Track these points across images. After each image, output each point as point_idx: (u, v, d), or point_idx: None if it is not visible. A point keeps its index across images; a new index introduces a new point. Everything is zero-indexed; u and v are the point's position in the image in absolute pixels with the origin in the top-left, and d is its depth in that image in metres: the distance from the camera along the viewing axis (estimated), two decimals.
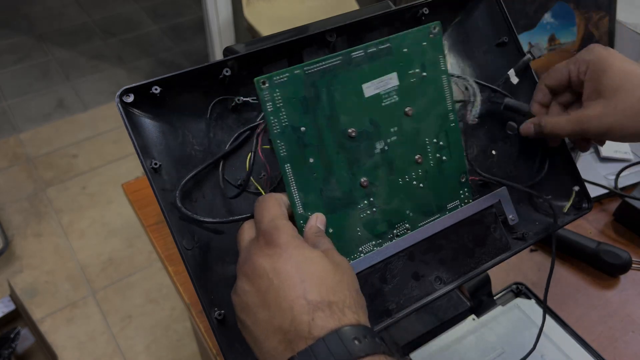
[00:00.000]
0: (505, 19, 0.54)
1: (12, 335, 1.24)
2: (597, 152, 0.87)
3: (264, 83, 0.41)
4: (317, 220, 0.42)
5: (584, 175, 0.55)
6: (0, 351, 1.21)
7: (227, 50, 0.47)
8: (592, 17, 0.97)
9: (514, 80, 0.54)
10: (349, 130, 0.44)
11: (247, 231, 0.40)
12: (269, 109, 0.41)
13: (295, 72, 0.41)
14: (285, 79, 0.41)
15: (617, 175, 0.82)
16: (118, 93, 0.40)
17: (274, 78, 0.41)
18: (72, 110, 2.21)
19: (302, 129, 0.42)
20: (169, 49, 2.57)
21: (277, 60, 0.47)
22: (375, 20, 0.50)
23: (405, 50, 0.46)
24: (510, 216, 0.52)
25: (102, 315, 1.54)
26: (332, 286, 0.34)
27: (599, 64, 0.45)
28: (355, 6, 1.85)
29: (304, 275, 0.34)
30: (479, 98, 0.52)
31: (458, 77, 0.53)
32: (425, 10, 0.52)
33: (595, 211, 0.79)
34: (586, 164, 0.86)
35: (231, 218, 0.43)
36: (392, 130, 0.46)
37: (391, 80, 0.45)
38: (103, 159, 1.99)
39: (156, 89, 0.41)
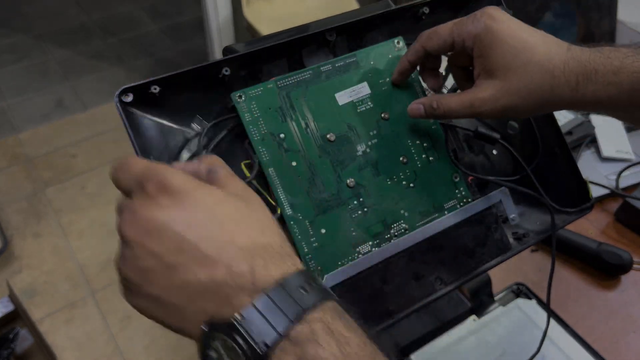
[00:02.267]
0: None
1: (11, 336, 1.24)
2: (598, 153, 0.87)
3: (240, 97, 0.44)
4: (213, 160, 0.35)
5: (584, 175, 0.55)
6: None
7: (226, 50, 0.47)
8: (593, 17, 0.97)
9: None
10: (328, 135, 0.47)
11: (120, 201, 0.32)
12: (247, 119, 0.44)
13: (269, 86, 0.45)
14: (259, 92, 0.45)
15: (618, 176, 0.82)
16: (117, 93, 0.40)
17: (249, 92, 0.44)
18: (71, 110, 2.21)
19: (282, 135, 0.45)
20: (169, 49, 2.57)
21: (277, 60, 0.47)
22: (375, 19, 0.50)
23: (372, 62, 0.49)
24: (511, 216, 0.52)
25: (102, 315, 1.54)
26: (255, 225, 0.30)
27: (486, 40, 0.41)
28: (355, 5, 1.84)
29: (220, 218, 0.29)
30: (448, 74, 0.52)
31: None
32: (426, 10, 0.52)
33: (596, 211, 0.79)
34: (587, 164, 0.86)
35: None
36: (371, 133, 0.48)
37: (363, 89, 0.49)
38: (102, 159, 1.99)
39: (155, 89, 0.41)
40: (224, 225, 0.29)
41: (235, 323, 0.27)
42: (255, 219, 0.31)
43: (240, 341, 0.26)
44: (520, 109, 0.41)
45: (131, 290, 0.30)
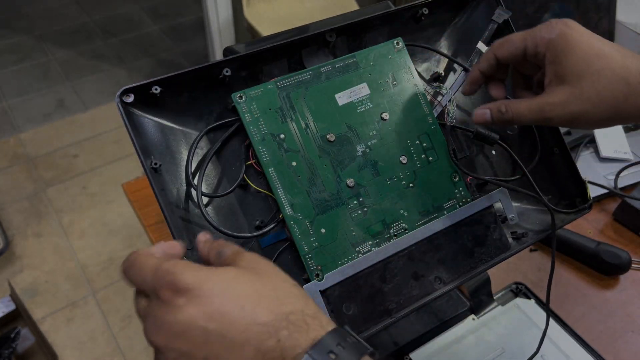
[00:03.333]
0: (505, 19, 0.54)
1: (12, 335, 1.24)
2: (597, 153, 0.87)
3: (240, 97, 0.44)
4: (204, 236, 0.36)
5: (583, 175, 0.55)
6: (0, 351, 1.21)
7: (227, 51, 0.47)
8: (592, 18, 0.97)
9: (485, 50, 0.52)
10: (328, 135, 0.47)
11: (139, 303, 0.32)
12: (248, 120, 0.45)
13: (269, 87, 0.45)
14: (260, 93, 0.45)
15: (617, 175, 0.82)
16: (118, 93, 0.40)
17: (250, 93, 0.45)
18: (72, 110, 2.21)
19: (282, 135, 0.45)
20: (169, 49, 2.57)
21: (277, 60, 0.48)
22: (375, 20, 0.50)
23: (372, 63, 0.50)
24: (510, 216, 0.52)
25: (103, 315, 1.54)
26: (274, 297, 0.30)
27: (560, 45, 0.40)
28: (355, 6, 1.85)
29: (237, 300, 0.29)
30: (454, 102, 0.52)
31: (430, 84, 0.53)
32: (425, 10, 0.52)
33: (594, 211, 0.79)
34: (586, 164, 0.86)
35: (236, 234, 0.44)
36: (370, 134, 0.49)
37: (362, 89, 0.49)
38: (103, 159, 1.99)
39: (156, 89, 0.41)
40: (243, 307, 0.29)
41: None
42: (271, 289, 0.30)
43: None
44: (591, 117, 0.40)
45: None
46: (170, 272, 0.29)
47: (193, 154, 0.44)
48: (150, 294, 0.31)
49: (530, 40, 0.42)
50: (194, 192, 0.44)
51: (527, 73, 0.47)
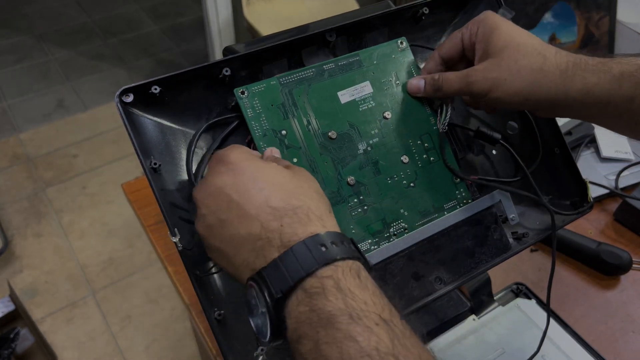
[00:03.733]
0: (509, 19, 0.54)
1: (11, 336, 1.24)
2: (598, 153, 0.87)
3: (242, 93, 0.44)
4: (272, 151, 0.43)
5: (584, 175, 0.55)
6: None
7: (227, 50, 0.47)
8: (593, 17, 0.97)
9: None
10: (329, 133, 0.47)
11: None
12: (250, 115, 0.45)
13: (272, 82, 0.45)
14: (262, 88, 0.45)
15: (618, 176, 0.82)
16: (117, 93, 0.40)
17: (252, 88, 0.45)
18: (72, 110, 2.21)
19: (283, 132, 0.45)
20: (169, 49, 2.57)
21: (277, 60, 0.47)
22: (375, 20, 0.50)
23: (375, 62, 0.50)
24: (511, 216, 0.52)
25: (102, 315, 1.54)
26: (292, 190, 0.35)
27: (488, 25, 0.45)
28: (355, 6, 1.85)
29: (261, 183, 0.35)
30: (449, 108, 0.51)
31: None
32: (425, 10, 0.52)
33: (595, 211, 0.79)
34: (586, 164, 0.86)
35: None
36: (372, 132, 0.48)
37: (365, 88, 0.49)
38: (103, 159, 1.99)
39: (156, 89, 0.41)
40: (263, 189, 0.34)
41: (262, 273, 0.32)
42: (295, 185, 0.36)
43: (264, 288, 0.31)
44: (509, 84, 0.43)
45: (205, 245, 0.37)
46: (228, 149, 0.38)
47: (193, 152, 0.44)
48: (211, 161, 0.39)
49: (465, 31, 0.47)
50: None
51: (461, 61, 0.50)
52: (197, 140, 0.44)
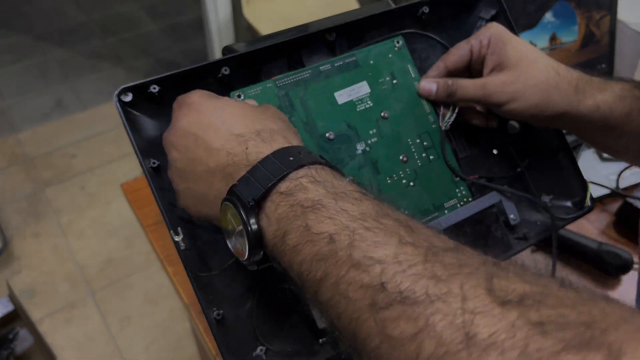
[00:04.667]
0: (506, 17, 0.54)
1: (10, 336, 1.24)
2: (599, 153, 0.87)
3: (239, 96, 0.44)
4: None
5: (585, 175, 0.55)
6: None
7: (226, 49, 0.47)
8: (593, 16, 0.97)
9: None
10: (327, 134, 0.47)
11: None
12: None
13: (268, 85, 0.45)
14: (258, 91, 0.45)
15: (619, 176, 0.82)
16: (116, 92, 0.40)
17: (248, 91, 0.45)
18: (71, 110, 2.20)
19: None
20: (168, 49, 2.57)
21: (277, 60, 0.47)
22: (375, 19, 0.50)
23: (372, 62, 0.49)
24: (512, 216, 0.52)
25: (101, 315, 1.53)
26: (255, 117, 0.36)
27: (500, 37, 0.47)
28: (355, 5, 1.84)
29: (223, 117, 0.36)
30: (456, 109, 0.51)
31: None
32: (426, 9, 0.52)
33: (596, 211, 0.79)
34: (588, 164, 0.85)
35: None
36: (370, 132, 0.48)
37: (362, 88, 0.49)
38: (102, 159, 1.99)
39: (155, 88, 0.41)
40: (226, 120, 0.36)
41: (233, 189, 0.33)
42: (258, 113, 0.37)
43: (237, 202, 0.32)
44: (527, 97, 0.45)
45: (179, 192, 0.38)
46: (187, 94, 0.38)
47: None
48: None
49: (474, 43, 0.48)
50: None
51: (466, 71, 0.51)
52: None
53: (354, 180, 0.35)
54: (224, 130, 0.35)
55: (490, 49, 0.47)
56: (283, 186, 0.32)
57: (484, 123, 0.52)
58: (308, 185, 0.31)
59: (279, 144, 0.34)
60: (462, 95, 0.47)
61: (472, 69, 0.50)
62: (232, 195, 0.32)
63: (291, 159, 0.32)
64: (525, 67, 0.45)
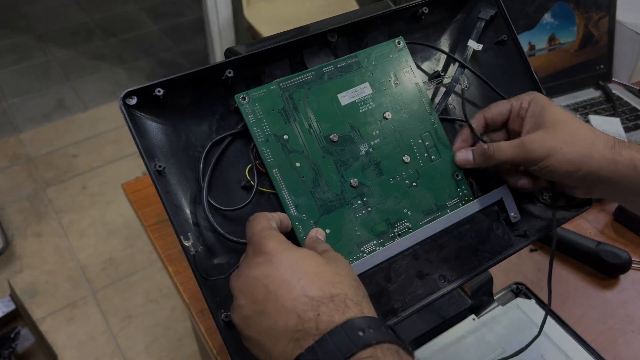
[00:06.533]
0: (504, 17, 0.54)
1: (12, 335, 1.24)
2: None
3: (243, 99, 0.45)
4: (317, 232, 0.45)
5: None
6: (0, 351, 1.21)
7: (228, 52, 0.47)
8: (592, 17, 0.97)
9: (478, 47, 0.55)
10: (331, 136, 0.47)
11: (246, 251, 0.40)
12: (251, 121, 0.45)
13: (272, 87, 0.45)
14: (262, 94, 0.45)
15: None
16: (121, 95, 0.40)
17: (253, 94, 0.45)
18: (72, 110, 2.21)
19: (285, 136, 0.45)
20: (169, 49, 2.57)
21: (279, 61, 0.48)
22: (375, 19, 0.51)
23: (374, 63, 0.50)
24: (512, 214, 0.52)
25: (102, 315, 1.54)
26: (329, 280, 0.35)
27: (540, 102, 0.49)
28: (355, 6, 1.85)
29: (298, 274, 0.35)
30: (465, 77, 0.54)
31: (431, 81, 0.55)
32: (425, 10, 0.52)
33: (595, 211, 0.79)
34: None
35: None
36: (373, 133, 0.49)
37: (364, 89, 0.49)
38: (103, 159, 1.99)
39: (159, 91, 0.41)
40: (300, 279, 0.35)
41: (300, 359, 0.32)
42: (331, 272, 0.36)
43: None
44: (565, 152, 0.45)
45: (241, 334, 0.37)
46: (263, 237, 0.37)
47: (203, 168, 0.44)
48: (247, 246, 0.39)
49: (515, 104, 0.50)
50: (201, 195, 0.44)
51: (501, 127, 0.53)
52: (206, 156, 0.45)
53: None
54: (298, 289, 0.34)
55: (530, 111, 0.49)
56: None
57: (530, 184, 0.52)
58: None
59: (351, 312, 0.33)
60: (499, 157, 0.48)
61: (508, 128, 0.51)
62: None
63: (361, 334, 0.32)
64: (563, 126, 0.46)
